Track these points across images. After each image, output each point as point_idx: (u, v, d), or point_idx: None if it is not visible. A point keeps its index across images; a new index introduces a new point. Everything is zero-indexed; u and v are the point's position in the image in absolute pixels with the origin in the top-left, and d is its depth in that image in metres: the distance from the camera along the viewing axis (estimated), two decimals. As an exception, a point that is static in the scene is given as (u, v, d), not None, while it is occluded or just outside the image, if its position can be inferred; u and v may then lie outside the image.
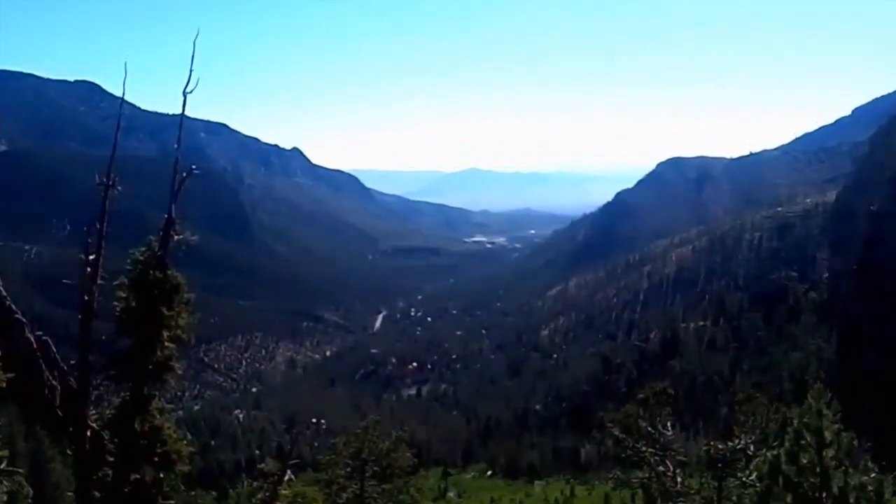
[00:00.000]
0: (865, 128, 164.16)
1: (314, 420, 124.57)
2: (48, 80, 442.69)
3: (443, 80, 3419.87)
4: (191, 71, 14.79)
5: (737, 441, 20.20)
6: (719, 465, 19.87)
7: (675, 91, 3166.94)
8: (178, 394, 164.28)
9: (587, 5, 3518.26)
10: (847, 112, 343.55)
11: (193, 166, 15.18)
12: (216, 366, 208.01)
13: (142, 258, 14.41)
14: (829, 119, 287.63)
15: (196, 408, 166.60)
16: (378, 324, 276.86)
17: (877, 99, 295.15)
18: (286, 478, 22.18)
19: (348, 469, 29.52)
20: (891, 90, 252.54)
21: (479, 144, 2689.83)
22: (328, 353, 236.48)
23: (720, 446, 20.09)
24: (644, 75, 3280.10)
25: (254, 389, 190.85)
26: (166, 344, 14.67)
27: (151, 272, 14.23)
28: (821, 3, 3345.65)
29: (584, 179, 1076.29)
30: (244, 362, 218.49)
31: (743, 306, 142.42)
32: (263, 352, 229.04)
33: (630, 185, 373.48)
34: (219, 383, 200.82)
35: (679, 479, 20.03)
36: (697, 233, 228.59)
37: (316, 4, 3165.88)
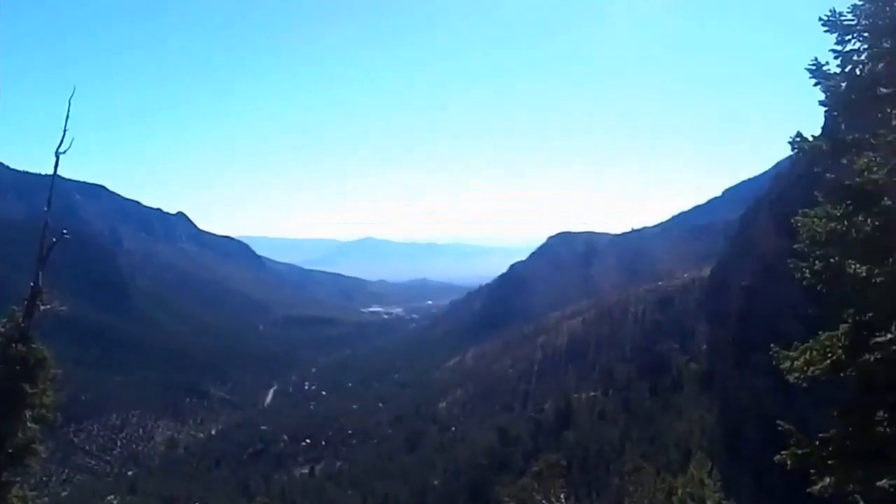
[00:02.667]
0: (735, 208, 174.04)
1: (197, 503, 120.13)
2: None
3: (337, 147, 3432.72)
4: (65, 130, 14.39)
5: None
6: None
7: (565, 168, 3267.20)
8: (44, 479, 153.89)
9: (477, 82, 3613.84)
10: (718, 193, 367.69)
11: (65, 230, 14.63)
12: (87, 447, 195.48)
13: (3, 330, 13.67)
14: (702, 199, 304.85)
15: (64, 493, 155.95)
16: (269, 399, 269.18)
17: (745, 181, 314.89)
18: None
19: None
20: (757, 173, 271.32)
21: (376, 213, 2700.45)
22: (213, 432, 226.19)
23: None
24: (538, 151, 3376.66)
25: (129, 473, 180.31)
26: (29, 424, 13.86)
27: (14, 346, 13.50)
28: (691, 95, 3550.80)
29: (479, 251, 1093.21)
30: (119, 443, 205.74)
31: (631, 377, 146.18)
32: (141, 431, 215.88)
33: (523, 256, 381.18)
34: (90, 466, 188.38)
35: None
36: (587, 305, 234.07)
37: (201, 67, 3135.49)
